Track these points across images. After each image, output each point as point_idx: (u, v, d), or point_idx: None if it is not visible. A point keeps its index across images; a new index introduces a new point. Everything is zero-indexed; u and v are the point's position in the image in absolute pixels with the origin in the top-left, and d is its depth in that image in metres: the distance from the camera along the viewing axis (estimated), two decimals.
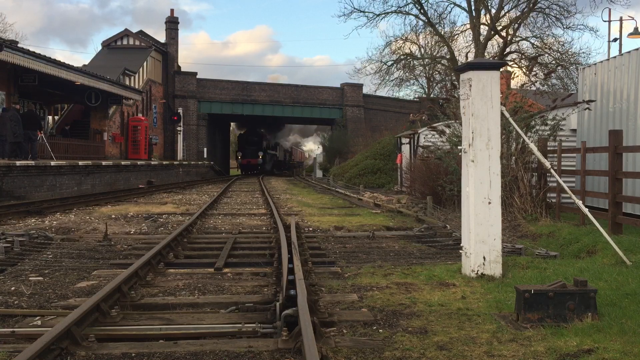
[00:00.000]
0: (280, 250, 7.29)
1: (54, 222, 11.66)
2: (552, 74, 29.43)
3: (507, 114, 7.15)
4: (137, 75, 38.27)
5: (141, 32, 44.68)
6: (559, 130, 12.97)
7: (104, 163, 24.38)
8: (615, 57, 12.91)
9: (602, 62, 13.38)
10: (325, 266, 7.22)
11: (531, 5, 32.57)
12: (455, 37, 37.25)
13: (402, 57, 37.61)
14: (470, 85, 6.39)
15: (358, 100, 52.39)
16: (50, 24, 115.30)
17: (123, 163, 26.93)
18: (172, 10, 47.69)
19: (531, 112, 13.47)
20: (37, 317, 4.88)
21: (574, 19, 34.97)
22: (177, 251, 8.09)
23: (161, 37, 46.74)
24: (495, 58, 30.41)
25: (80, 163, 21.77)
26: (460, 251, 6.68)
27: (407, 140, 24.03)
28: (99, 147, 30.20)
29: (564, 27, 32.90)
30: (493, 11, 33.32)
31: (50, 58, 22.45)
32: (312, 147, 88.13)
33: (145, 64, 40.69)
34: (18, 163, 17.08)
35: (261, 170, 52.78)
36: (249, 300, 5.43)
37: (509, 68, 31.26)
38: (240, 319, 4.78)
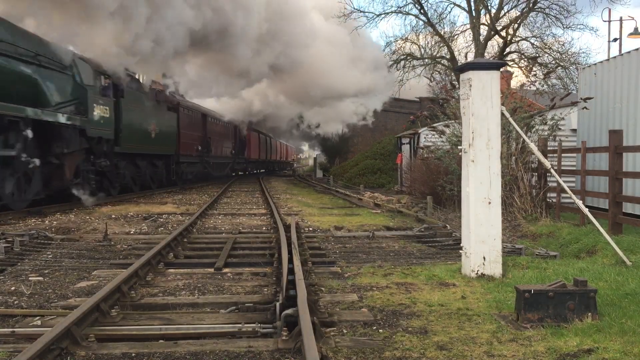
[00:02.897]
0: (280, 250, 7.29)
1: (54, 222, 11.66)
2: (552, 74, 29.41)
3: (507, 114, 7.15)
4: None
5: None
6: (558, 130, 12.97)
7: None
8: (615, 57, 12.90)
9: (602, 62, 13.37)
10: (325, 266, 7.22)
11: (531, 5, 32.54)
12: (455, 37, 37.09)
13: (402, 57, 37.58)
14: (470, 85, 6.39)
15: None
16: None
17: None
18: None
19: (531, 112, 13.47)
20: (37, 317, 4.88)
21: (574, 18, 34.84)
22: (177, 251, 8.09)
23: None
24: (495, 58, 30.41)
25: None
26: (460, 251, 6.68)
27: (407, 140, 24.05)
28: None
29: (563, 27, 32.77)
30: (493, 11, 33.26)
31: None
32: None
33: None
34: None
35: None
36: (249, 300, 5.44)
37: (509, 68, 31.26)
38: (240, 319, 4.79)
